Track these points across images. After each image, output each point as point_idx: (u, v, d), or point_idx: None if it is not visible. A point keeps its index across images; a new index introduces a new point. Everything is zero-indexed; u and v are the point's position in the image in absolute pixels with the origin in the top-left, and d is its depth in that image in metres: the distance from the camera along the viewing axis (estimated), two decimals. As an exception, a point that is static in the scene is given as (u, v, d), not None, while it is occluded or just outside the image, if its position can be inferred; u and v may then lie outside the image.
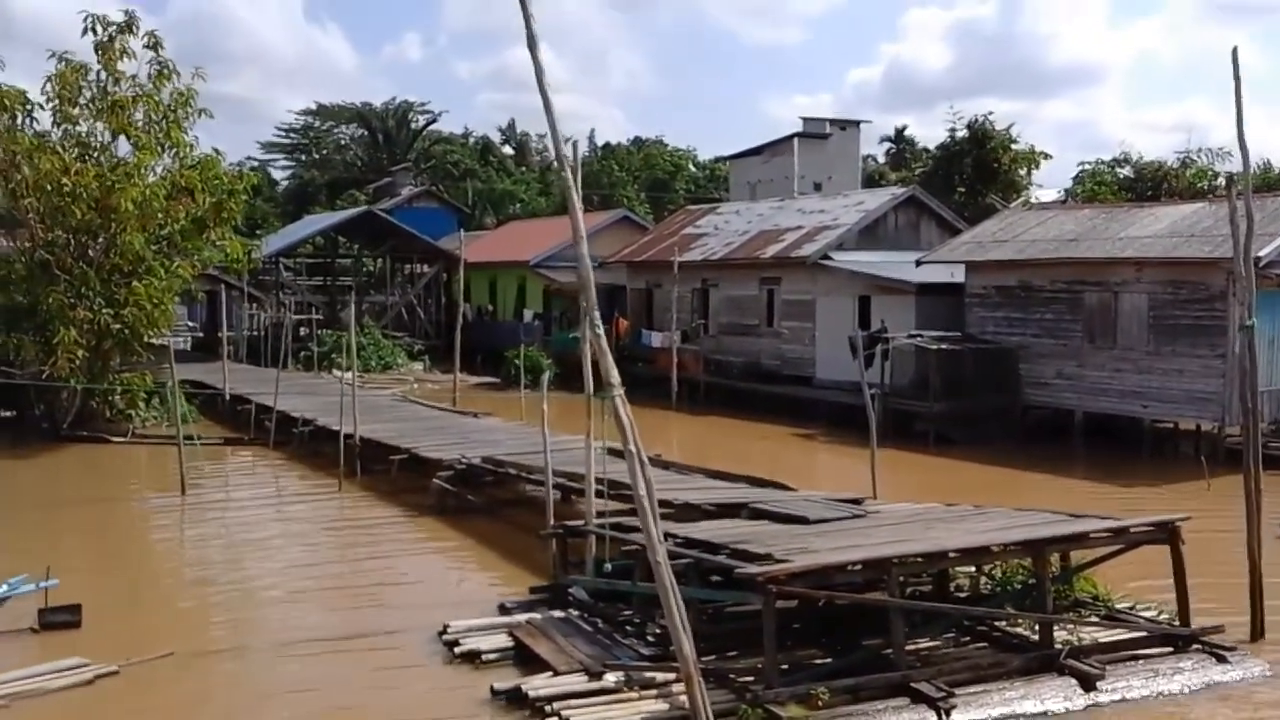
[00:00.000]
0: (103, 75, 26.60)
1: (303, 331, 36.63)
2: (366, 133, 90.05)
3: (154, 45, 27.19)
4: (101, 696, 11.23)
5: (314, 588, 15.31)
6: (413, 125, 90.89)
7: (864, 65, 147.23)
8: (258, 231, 41.17)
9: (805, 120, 75.61)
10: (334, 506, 20.31)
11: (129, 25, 26.80)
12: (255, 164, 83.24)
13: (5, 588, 12.74)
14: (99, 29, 26.40)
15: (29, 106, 26.06)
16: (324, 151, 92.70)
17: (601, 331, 9.90)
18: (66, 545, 17.27)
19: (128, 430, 26.64)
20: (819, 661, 10.97)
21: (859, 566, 10.88)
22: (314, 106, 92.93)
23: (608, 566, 12.69)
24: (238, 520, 19.80)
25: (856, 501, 14.69)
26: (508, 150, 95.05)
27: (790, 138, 73.24)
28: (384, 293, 47.80)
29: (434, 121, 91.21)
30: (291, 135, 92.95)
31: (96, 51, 26.42)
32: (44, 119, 26.46)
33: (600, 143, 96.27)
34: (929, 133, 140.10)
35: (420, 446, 21.33)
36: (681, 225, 43.56)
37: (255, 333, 39.81)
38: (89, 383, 25.79)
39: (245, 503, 21.23)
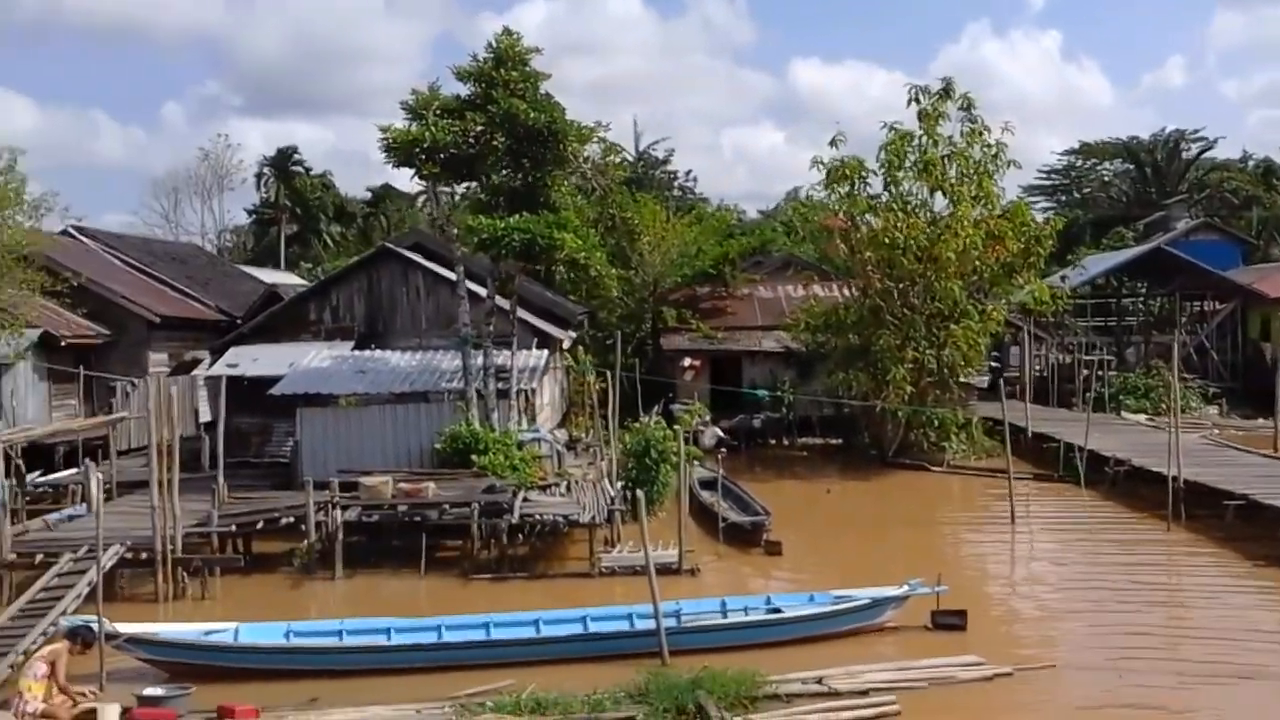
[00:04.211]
0: (923, 139, 29.54)
1: (1084, 372, 36.69)
2: (1133, 167, 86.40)
3: (967, 107, 29.57)
4: (1001, 693, 12.66)
5: (1163, 623, 15.47)
6: (1184, 155, 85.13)
7: None
8: (1062, 271, 41.82)
9: None
10: (1163, 548, 20.09)
11: (946, 91, 29.51)
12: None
13: (907, 587, 14.90)
14: (921, 99, 29.46)
15: (864, 174, 29.93)
16: (1086, 190, 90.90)
17: None
18: (910, 558, 19.20)
19: (943, 460, 29.05)
20: None
21: None
22: (1076, 145, 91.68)
23: None
24: (1066, 552, 20.64)
25: None
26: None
27: None
28: (1170, 333, 45.61)
29: (1209, 148, 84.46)
30: (1053, 176, 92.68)
31: (919, 119, 29.47)
32: (875, 183, 30.20)
33: None
34: None
35: (1260, 494, 20.14)
36: None
37: (1040, 372, 40.69)
38: (909, 417, 28.62)
39: (1069, 537, 21.97)
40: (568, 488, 21.17)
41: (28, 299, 26.12)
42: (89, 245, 35.08)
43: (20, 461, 21.69)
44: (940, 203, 29.77)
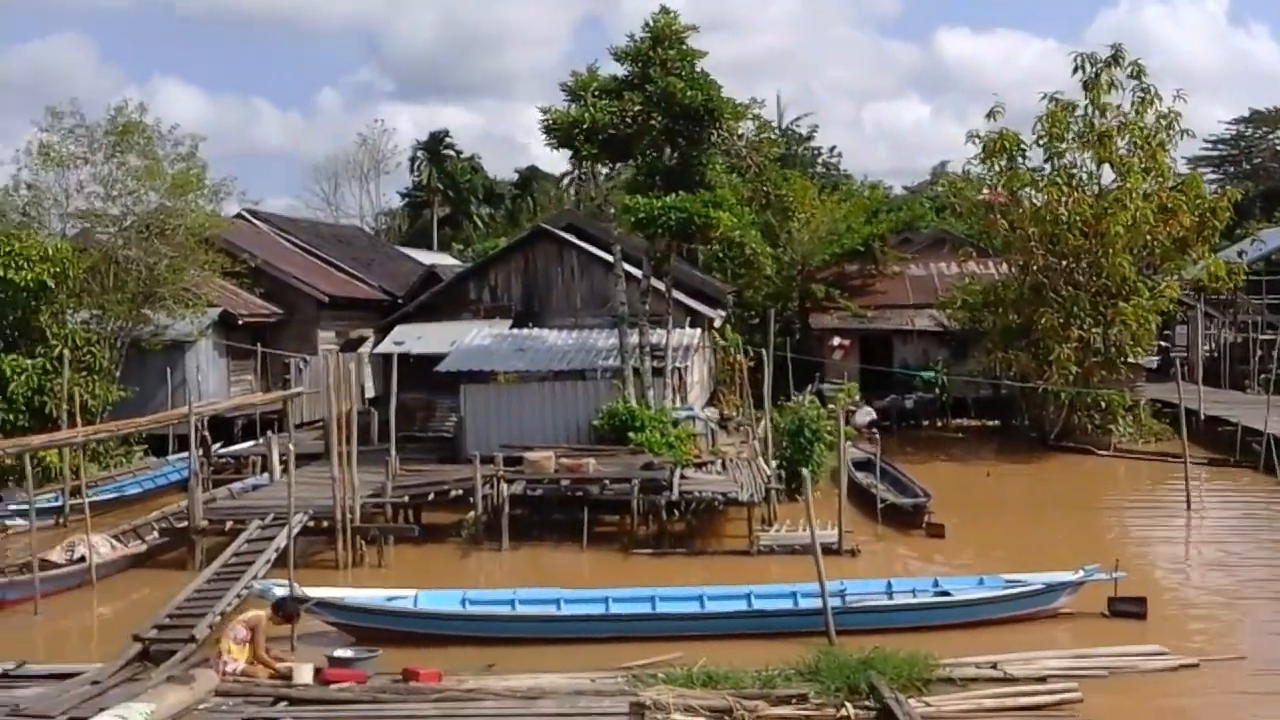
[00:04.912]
0: (1089, 109, 28.34)
1: (1258, 353, 34.77)
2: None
3: (1137, 74, 28.17)
4: (1187, 684, 12.18)
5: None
6: (1373, 119, 79.38)
7: None
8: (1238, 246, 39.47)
9: None
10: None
11: (1115, 58, 28.20)
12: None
13: (1083, 573, 14.46)
14: (1087, 66, 28.24)
15: (1023, 147, 28.88)
16: (1257, 160, 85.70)
17: None
18: (1077, 543, 18.56)
19: (1109, 444, 27.95)
20: None
21: None
22: (1245, 114, 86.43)
23: None
24: (1247, 540, 19.63)
25: None
26: None
27: None
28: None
29: (1397, 112, 78.57)
30: (1219, 146, 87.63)
31: (1084, 88, 28.26)
32: (1034, 156, 29.11)
33: None
34: None
35: None
36: None
37: (1210, 352, 38.71)
38: (1072, 398, 27.57)
39: (1250, 524, 20.96)
40: (723, 465, 21.25)
41: (209, 279, 27.66)
42: (261, 228, 36.82)
43: (207, 433, 23.05)
44: (1107, 175, 28.61)
